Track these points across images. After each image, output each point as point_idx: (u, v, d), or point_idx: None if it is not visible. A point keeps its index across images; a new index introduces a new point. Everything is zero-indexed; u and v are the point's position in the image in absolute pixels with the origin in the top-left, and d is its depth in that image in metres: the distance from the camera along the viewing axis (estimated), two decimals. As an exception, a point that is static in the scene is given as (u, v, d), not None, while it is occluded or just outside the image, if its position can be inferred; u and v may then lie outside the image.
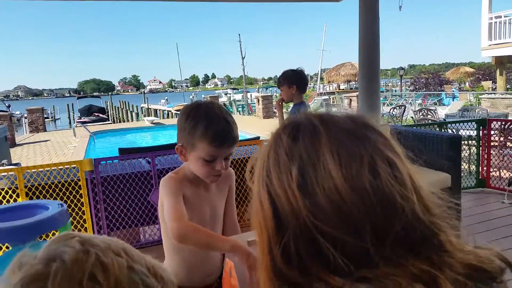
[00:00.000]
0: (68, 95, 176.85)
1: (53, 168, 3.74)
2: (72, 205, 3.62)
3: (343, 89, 34.84)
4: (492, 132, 5.36)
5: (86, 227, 3.68)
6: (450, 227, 0.61)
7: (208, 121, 1.41)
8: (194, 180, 1.54)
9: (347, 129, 0.61)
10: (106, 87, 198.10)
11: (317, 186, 0.57)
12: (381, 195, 0.56)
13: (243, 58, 33.00)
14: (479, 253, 0.60)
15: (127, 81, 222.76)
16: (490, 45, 15.48)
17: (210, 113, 1.43)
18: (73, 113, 33.11)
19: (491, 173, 5.32)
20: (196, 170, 1.49)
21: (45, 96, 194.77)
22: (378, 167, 0.57)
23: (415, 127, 5.45)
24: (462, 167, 5.45)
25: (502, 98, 15.68)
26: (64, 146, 13.48)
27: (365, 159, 0.57)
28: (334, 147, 0.59)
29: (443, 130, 5.46)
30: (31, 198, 3.53)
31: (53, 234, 3.27)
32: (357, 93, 6.34)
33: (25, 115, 19.93)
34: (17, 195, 3.50)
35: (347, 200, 0.55)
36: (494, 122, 5.35)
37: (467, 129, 5.39)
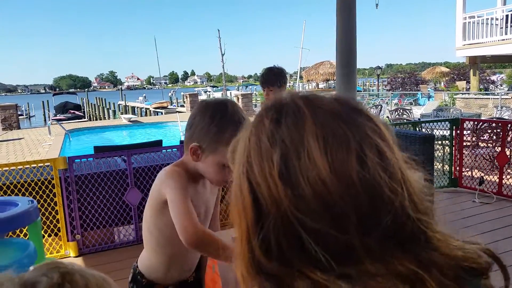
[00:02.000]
0: (44, 91, 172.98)
1: (26, 166, 3.66)
2: (45, 205, 3.55)
3: (322, 88, 35.06)
4: (465, 133, 5.48)
5: (59, 227, 3.61)
6: (435, 222, 0.58)
7: (237, 128, 1.34)
8: (195, 177, 1.48)
9: (334, 112, 0.56)
10: (82, 83, 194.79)
11: (300, 175, 0.52)
12: (368, 187, 0.52)
13: (222, 55, 32.84)
14: (466, 248, 0.57)
15: (104, 77, 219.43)
16: (464, 45, 15.82)
17: (238, 118, 1.38)
18: (48, 110, 32.41)
19: (463, 173, 5.45)
20: (208, 173, 1.43)
21: (19, 92, 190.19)
22: (366, 156, 0.53)
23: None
24: (436, 166, 5.57)
25: (475, 98, 16.08)
26: (38, 144, 13.18)
27: (353, 146, 0.53)
28: (319, 132, 0.54)
29: (417, 130, 5.56)
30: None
31: (22, 231, 3.20)
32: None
33: (-2, 112, 19.39)
34: (-12, 195, 3.41)
35: (332, 191, 0.51)
36: (467, 122, 5.49)
37: (441, 129, 5.50)
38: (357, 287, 0.50)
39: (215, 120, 1.37)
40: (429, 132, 5.48)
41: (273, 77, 3.31)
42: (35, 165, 3.68)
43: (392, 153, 0.55)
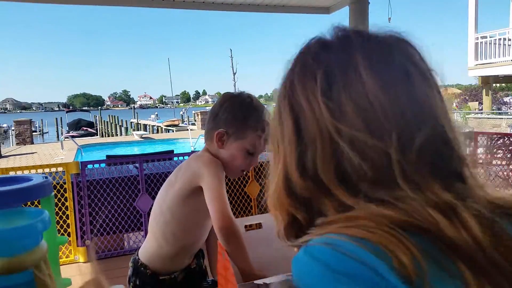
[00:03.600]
0: (57, 109, 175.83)
1: (39, 170, 3.68)
2: (56, 209, 3.56)
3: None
4: (478, 151, 5.40)
5: (69, 232, 3.61)
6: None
7: (261, 116, 1.43)
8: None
9: (383, 39, 0.58)
10: (95, 102, 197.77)
11: (343, 91, 0.53)
12: (413, 103, 0.52)
13: (234, 74, 33.15)
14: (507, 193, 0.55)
15: (117, 96, 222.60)
16: (476, 65, 15.78)
17: (262, 109, 1.45)
18: (62, 127, 32.84)
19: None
20: (230, 160, 1.44)
21: (33, 109, 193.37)
22: (414, 77, 0.54)
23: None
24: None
25: (488, 118, 15.95)
26: (51, 158, 13.32)
27: (401, 68, 0.54)
28: (366, 53, 0.54)
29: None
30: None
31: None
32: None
33: (12, 127, 19.70)
34: None
35: (376, 106, 0.51)
36: (481, 136, 5.42)
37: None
38: (386, 210, 0.48)
39: (243, 107, 1.43)
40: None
41: None
42: (48, 169, 3.71)
43: (434, 80, 0.56)
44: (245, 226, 1.44)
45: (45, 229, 0.89)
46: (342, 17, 6.38)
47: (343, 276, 0.43)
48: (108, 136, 31.30)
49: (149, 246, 1.57)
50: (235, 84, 33.65)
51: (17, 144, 18.05)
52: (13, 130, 19.70)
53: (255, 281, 1.19)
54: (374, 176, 0.51)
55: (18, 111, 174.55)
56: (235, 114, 1.42)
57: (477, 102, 24.24)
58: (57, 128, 35.50)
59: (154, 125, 32.56)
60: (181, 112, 41.66)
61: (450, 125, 0.54)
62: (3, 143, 18.86)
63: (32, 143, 18.81)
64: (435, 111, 0.53)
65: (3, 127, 26.26)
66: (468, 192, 0.51)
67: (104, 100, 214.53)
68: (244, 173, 1.51)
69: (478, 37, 15.50)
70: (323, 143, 0.53)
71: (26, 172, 3.60)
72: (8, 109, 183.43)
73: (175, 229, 1.49)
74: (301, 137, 0.55)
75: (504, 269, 0.44)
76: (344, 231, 0.47)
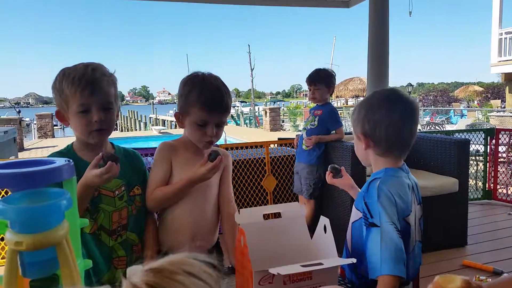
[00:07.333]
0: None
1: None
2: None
3: (352, 105, 34.82)
4: (500, 149, 5.26)
5: (90, 221, 3.68)
6: None
7: (201, 88, 1.54)
8: (192, 147, 1.63)
9: None
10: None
11: None
12: None
13: (252, 70, 33.16)
14: None
15: (136, 91, 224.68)
16: (499, 61, 15.44)
17: (205, 81, 1.56)
18: (82, 121, 33.31)
19: (498, 190, 5.24)
20: (190, 135, 1.60)
21: (55, 104, 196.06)
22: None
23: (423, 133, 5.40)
24: (470, 181, 5.39)
25: (511, 116, 15.59)
26: (71, 151, 13.54)
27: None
28: None
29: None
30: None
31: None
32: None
33: (34, 121, 20.07)
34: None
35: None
36: (503, 133, 5.29)
37: (475, 143, 5.30)
38: None
39: (186, 85, 1.57)
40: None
41: (323, 74, 3.42)
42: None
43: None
44: (263, 216, 1.44)
45: (68, 208, 0.91)
46: (362, 11, 6.29)
47: None
48: (128, 131, 31.69)
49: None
50: (252, 80, 33.67)
51: (39, 137, 18.39)
52: (35, 124, 20.07)
53: (270, 270, 1.19)
54: None
55: (40, 105, 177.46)
56: (181, 94, 1.58)
57: (500, 100, 23.74)
58: (78, 122, 35.88)
59: (173, 120, 32.77)
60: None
61: None
62: (25, 137, 19.20)
63: (53, 136, 19.12)
64: None
65: (26, 120, 26.63)
66: None
67: (123, 95, 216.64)
68: (211, 144, 1.62)
69: (502, 33, 15.16)
70: None
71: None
72: (31, 103, 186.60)
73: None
74: None
75: None
76: None
